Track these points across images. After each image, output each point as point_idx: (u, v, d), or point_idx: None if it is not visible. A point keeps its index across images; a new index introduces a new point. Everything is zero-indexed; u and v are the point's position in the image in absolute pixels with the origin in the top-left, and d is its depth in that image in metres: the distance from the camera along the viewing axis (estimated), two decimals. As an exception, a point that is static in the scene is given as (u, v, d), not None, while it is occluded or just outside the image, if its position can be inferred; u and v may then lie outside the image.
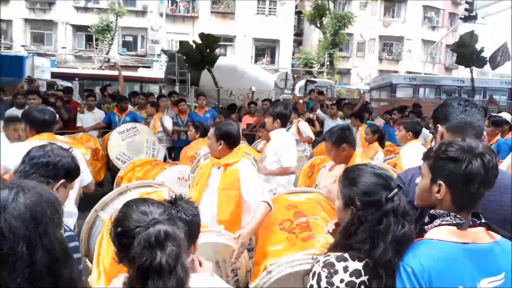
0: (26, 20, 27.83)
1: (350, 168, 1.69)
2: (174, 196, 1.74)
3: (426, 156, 1.55)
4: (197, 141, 5.49)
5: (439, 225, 1.44)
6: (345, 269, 1.41)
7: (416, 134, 4.61)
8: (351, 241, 1.47)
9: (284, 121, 4.19)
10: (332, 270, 1.41)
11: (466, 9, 19.02)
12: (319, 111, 8.45)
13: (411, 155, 4.21)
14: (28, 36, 28.23)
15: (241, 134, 4.17)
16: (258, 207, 2.64)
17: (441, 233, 1.41)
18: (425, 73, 24.41)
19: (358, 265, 1.42)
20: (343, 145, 3.13)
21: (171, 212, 1.38)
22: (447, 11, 33.32)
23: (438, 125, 1.91)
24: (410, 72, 27.35)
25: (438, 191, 1.47)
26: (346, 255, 1.45)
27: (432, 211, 1.49)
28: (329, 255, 1.48)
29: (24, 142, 3.06)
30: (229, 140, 2.96)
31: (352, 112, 7.73)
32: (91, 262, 2.70)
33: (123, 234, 1.27)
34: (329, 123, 7.67)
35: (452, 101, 1.91)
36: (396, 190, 1.49)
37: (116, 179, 5.10)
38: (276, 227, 2.63)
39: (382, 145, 5.52)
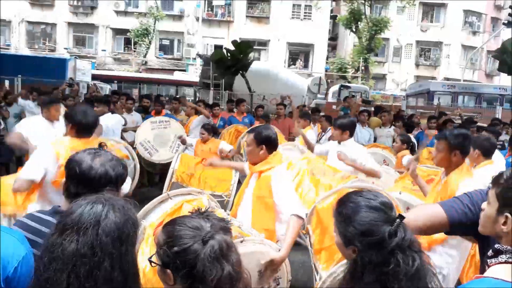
0: (69, 23, 29.00)
1: (343, 201, 1.50)
2: (206, 208, 1.73)
3: (495, 182, 1.40)
4: (213, 140, 5.95)
5: (505, 262, 1.26)
6: None
7: (487, 153, 3.95)
8: (360, 285, 1.33)
9: (352, 131, 4.48)
10: None
11: (509, 14, 18.19)
12: None
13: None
14: (71, 39, 29.41)
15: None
16: (290, 222, 2.62)
17: (505, 272, 1.24)
18: (464, 80, 23.62)
19: None
20: (456, 152, 2.93)
21: (216, 222, 1.33)
22: (490, 15, 32.14)
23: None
24: (448, 79, 26.55)
25: (505, 223, 1.32)
26: None
27: (497, 245, 1.32)
28: None
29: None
30: (270, 145, 2.98)
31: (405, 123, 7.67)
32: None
33: (181, 253, 1.21)
34: (360, 131, 7.42)
35: None
36: (398, 220, 1.34)
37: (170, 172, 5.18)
38: None
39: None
